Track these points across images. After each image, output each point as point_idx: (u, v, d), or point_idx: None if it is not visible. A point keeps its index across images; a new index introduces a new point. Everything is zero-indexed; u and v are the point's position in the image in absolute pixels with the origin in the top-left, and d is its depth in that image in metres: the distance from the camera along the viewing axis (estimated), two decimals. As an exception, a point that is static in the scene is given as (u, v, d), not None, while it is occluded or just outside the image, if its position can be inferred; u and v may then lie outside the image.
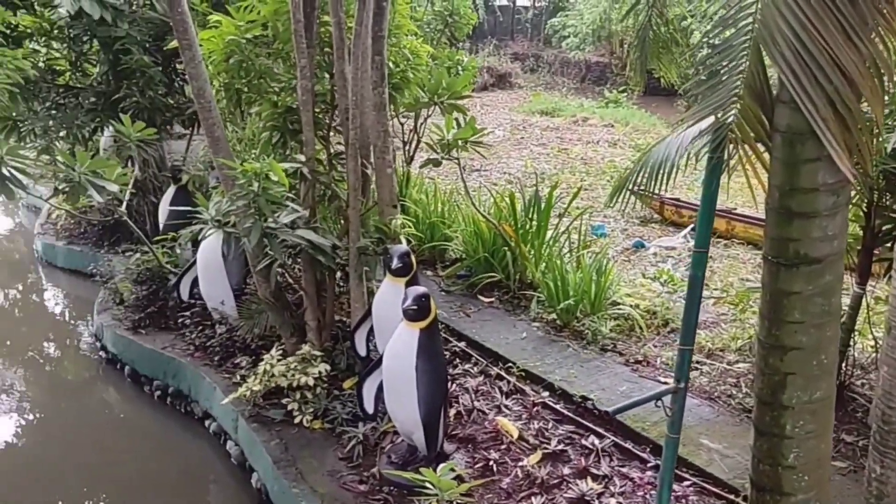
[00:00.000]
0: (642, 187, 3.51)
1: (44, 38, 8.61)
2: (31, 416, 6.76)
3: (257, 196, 4.94)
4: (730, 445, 4.57)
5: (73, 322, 8.73)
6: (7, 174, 5.72)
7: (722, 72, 2.84)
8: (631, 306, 6.14)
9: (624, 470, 4.51)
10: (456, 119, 6.32)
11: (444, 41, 8.43)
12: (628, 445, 4.69)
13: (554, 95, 19.51)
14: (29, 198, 10.63)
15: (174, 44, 5.99)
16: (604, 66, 22.37)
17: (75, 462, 6.01)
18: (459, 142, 6.15)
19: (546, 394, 5.26)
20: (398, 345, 4.47)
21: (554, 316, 6.18)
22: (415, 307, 4.36)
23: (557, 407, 5.13)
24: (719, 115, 2.81)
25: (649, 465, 4.50)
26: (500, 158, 12.51)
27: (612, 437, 4.76)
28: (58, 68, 8.89)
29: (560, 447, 4.72)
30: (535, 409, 5.11)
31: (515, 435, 4.85)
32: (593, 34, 20.68)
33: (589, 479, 4.43)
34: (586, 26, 20.61)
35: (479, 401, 5.26)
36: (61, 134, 8.02)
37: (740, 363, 5.51)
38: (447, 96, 6.60)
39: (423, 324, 4.42)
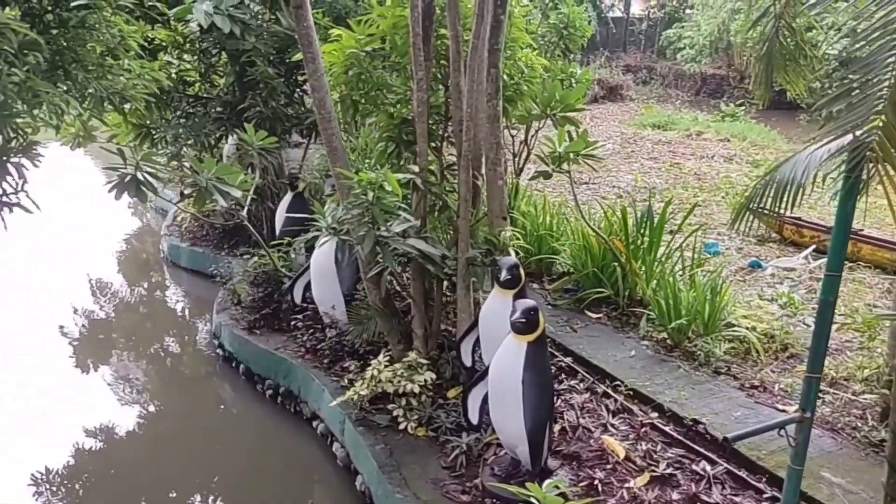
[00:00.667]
0: (765, 207, 3.37)
1: (177, 51, 9.15)
2: (151, 407, 7.14)
3: (371, 205, 5.06)
4: (854, 481, 4.31)
5: (192, 320, 9.18)
6: (141, 178, 6.08)
7: (861, 88, 2.69)
8: (747, 328, 5.90)
9: (737, 500, 4.33)
10: (568, 132, 6.29)
11: (557, 53, 8.39)
12: (742, 474, 4.50)
13: (667, 108, 19.07)
14: (158, 200, 11.32)
15: (297, 56, 6.23)
16: (720, 78, 21.70)
17: (190, 451, 6.32)
18: (571, 155, 6.10)
19: (655, 415, 5.13)
20: (505, 357, 4.46)
21: (665, 335, 6.01)
22: (523, 320, 4.34)
23: (667, 429, 4.99)
24: (858, 133, 2.67)
25: (765, 496, 4.30)
26: (610, 172, 12.33)
27: (725, 465, 4.58)
28: (188, 79, 9.43)
29: (669, 471, 4.59)
30: (643, 429, 4.99)
31: (622, 455, 4.74)
32: (710, 45, 20.11)
33: (699, 505, 4.29)
34: (703, 37, 20.07)
35: (584, 418, 5.18)
36: (189, 141, 8.47)
37: (867, 394, 5.19)
38: (560, 109, 6.57)
39: (531, 337, 4.39)
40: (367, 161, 7.69)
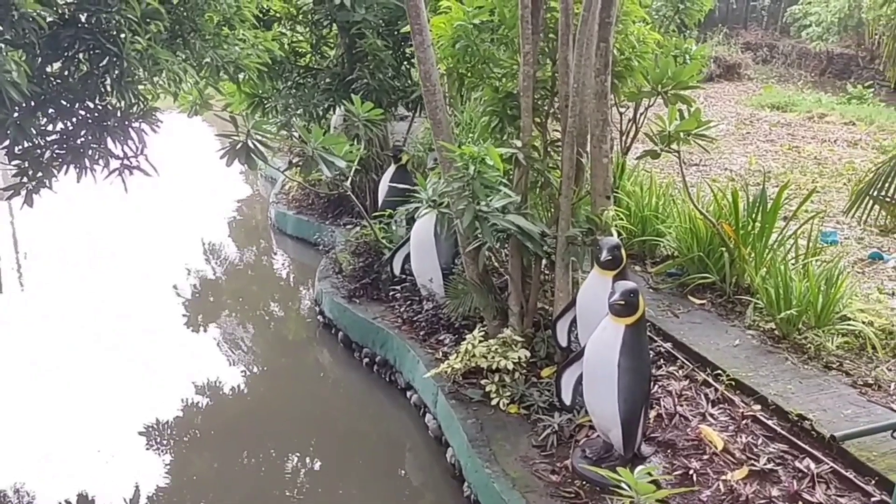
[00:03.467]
0: (889, 195, 3.13)
1: (290, 22, 9.35)
2: (255, 368, 7.43)
3: (472, 179, 5.04)
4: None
5: (296, 286, 9.47)
6: (252, 146, 6.28)
7: None
8: (864, 323, 5.56)
9: (842, 501, 4.11)
10: (680, 110, 6.05)
11: (672, 28, 8.07)
12: (849, 475, 4.26)
13: (788, 89, 18.09)
14: (267, 169, 11.68)
15: (406, 28, 6.25)
16: (848, 58, 20.37)
17: (290, 412, 6.55)
18: (682, 134, 5.87)
19: (758, 407, 4.92)
20: (602, 339, 4.37)
21: (772, 325, 5.74)
22: (622, 302, 4.23)
23: (769, 423, 4.77)
24: None
25: (873, 499, 4.07)
26: (722, 153, 11.83)
27: (831, 464, 4.35)
28: (300, 50, 9.63)
29: (770, 466, 4.39)
30: (743, 421, 4.80)
31: (720, 446, 4.58)
32: (839, 23, 18.88)
33: (801, 504, 4.10)
34: (832, 14, 18.87)
35: (682, 406, 5.03)
36: (299, 111, 8.67)
37: None
38: (672, 86, 6.32)
39: (630, 320, 4.28)
40: (470, 135, 7.66)
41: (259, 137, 6.36)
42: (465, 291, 6.14)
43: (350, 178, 7.33)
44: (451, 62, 6.14)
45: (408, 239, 7.00)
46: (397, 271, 7.23)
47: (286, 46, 9.09)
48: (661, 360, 5.59)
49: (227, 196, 13.16)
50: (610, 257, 4.80)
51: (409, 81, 8.91)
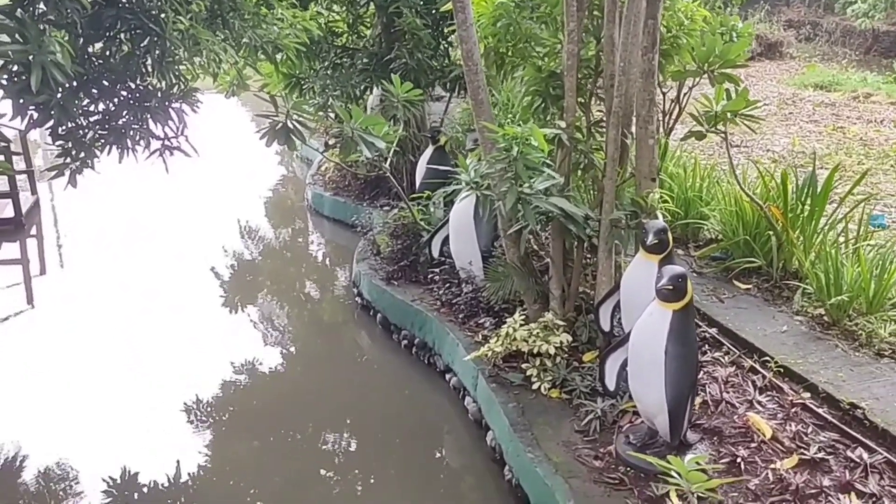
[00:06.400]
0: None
1: (326, 2, 9.29)
2: (292, 348, 7.45)
3: (515, 160, 4.95)
4: None
5: (333, 267, 9.48)
6: (291, 126, 6.25)
7: None
8: (918, 310, 5.40)
9: (897, 492, 4.00)
10: (727, 90, 5.88)
11: (718, 5, 7.85)
12: (905, 466, 4.15)
13: (832, 68, 17.63)
14: (304, 150, 11.69)
15: (446, 7, 6.15)
16: (895, 36, 19.79)
17: (327, 393, 6.56)
18: (728, 114, 5.72)
19: (807, 395, 4.80)
20: (648, 324, 4.28)
21: (822, 311, 5.60)
22: (670, 287, 4.14)
23: (820, 411, 4.66)
24: None
25: (930, 492, 3.95)
26: (764, 135, 11.57)
27: (885, 454, 4.23)
28: (336, 30, 9.57)
29: (820, 455, 4.29)
30: (793, 409, 4.69)
31: (768, 434, 4.48)
32: (886, 0, 18.33)
33: (853, 495, 3.99)
34: (879, -10, 18.32)
35: (728, 392, 4.93)
36: (336, 92, 8.62)
37: None
38: (719, 65, 6.15)
39: (678, 305, 4.19)
40: (508, 116, 7.55)
41: (298, 118, 6.33)
42: (506, 275, 6.07)
43: (389, 160, 7.27)
44: (491, 41, 6.04)
45: (446, 221, 6.94)
46: (436, 254, 7.17)
47: (323, 26, 9.03)
48: (707, 346, 5.49)
49: (263, 177, 13.21)
50: (656, 241, 4.70)
51: (448, 61, 8.81)
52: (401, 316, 7.01)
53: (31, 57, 4.37)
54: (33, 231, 10.10)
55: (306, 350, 7.48)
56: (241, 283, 8.90)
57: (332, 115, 8.90)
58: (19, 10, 4.57)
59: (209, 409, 6.22)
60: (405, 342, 6.93)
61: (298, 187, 12.39)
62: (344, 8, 9.40)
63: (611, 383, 4.73)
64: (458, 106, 10.26)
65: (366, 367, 7.26)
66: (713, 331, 5.63)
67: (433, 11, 8.36)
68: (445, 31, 8.64)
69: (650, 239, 4.70)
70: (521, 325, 5.51)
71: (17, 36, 4.47)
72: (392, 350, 7.06)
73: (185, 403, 6.22)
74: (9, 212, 9.67)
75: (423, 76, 8.43)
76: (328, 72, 8.78)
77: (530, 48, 5.91)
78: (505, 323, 5.66)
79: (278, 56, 7.35)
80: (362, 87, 8.90)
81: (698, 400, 4.82)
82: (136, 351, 7.03)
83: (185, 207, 11.24)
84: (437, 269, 7.14)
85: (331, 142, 10.28)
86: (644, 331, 4.29)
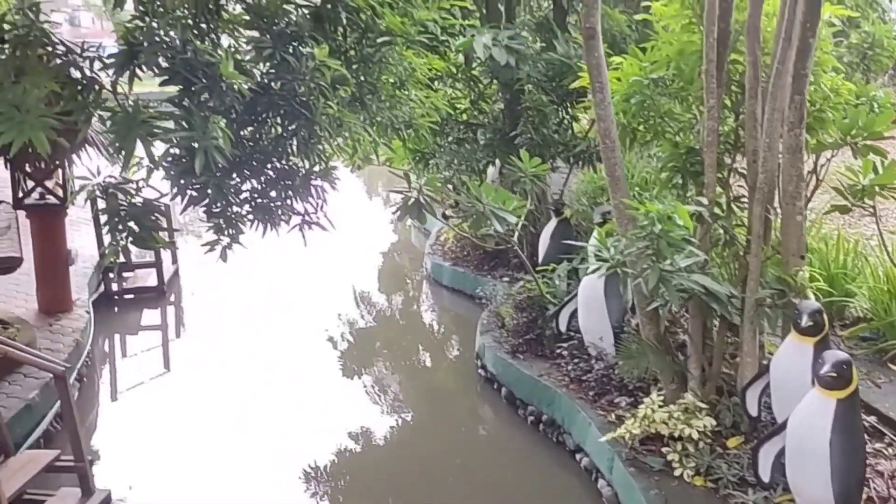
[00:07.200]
0: None
1: (450, 80, 9.57)
2: (415, 420, 7.45)
3: (658, 238, 4.86)
4: None
5: (453, 338, 9.50)
6: (423, 202, 6.41)
7: None
8: None
9: None
10: (874, 162, 5.64)
11: (859, 75, 7.61)
12: None
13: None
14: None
15: (576, 84, 6.22)
16: None
17: (452, 467, 6.50)
18: (876, 188, 5.48)
19: None
20: (809, 414, 4.05)
21: None
22: (834, 374, 3.92)
23: None
24: None
25: None
26: (901, 204, 10.96)
27: None
28: (458, 106, 9.82)
29: None
30: (971, 511, 4.30)
31: (946, 538, 4.11)
32: None
33: None
34: None
35: (895, 489, 4.56)
36: (462, 167, 8.79)
37: None
38: (863, 137, 5.92)
39: (842, 394, 3.95)
40: (643, 192, 7.47)
41: (429, 193, 6.50)
42: (640, 352, 5.90)
43: (517, 233, 7.31)
44: (622, 117, 6.04)
45: (574, 295, 6.86)
46: (563, 328, 7.08)
47: (447, 103, 9.29)
48: (867, 436, 5.12)
49: (380, 246, 13.51)
50: (811, 322, 4.49)
51: (571, 134, 8.86)
52: (527, 391, 6.90)
53: (195, 143, 4.68)
54: (172, 298, 10.63)
55: (429, 421, 7.47)
56: (363, 351, 9.04)
57: (450, 187, 9.08)
58: (186, 99, 4.93)
59: (326, 475, 6.28)
60: (532, 418, 6.80)
61: (412, 255, 12.60)
62: (464, 85, 9.65)
63: (765, 475, 4.48)
64: (575, 177, 10.27)
65: (489, 441, 7.15)
66: (872, 419, 5.27)
67: (557, 87, 8.46)
68: (569, 107, 8.70)
69: (805, 321, 4.49)
70: (660, 407, 5.32)
71: (182, 123, 4.82)
72: (517, 426, 6.94)
73: (304, 470, 6.28)
74: (153, 280, 10.25)
75: (547, 150, 8.50)
76: (453, 147, 8.98)
77: (665, 124, 5.87)
78: (641, 403, 5.48)
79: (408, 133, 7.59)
80: (485, 162, 9.05)
81: (864, 496, 4.47)
82: (256, 418, 7.16)
83: (310, 276, 11.57)
84: (564, 344, 7.03)
85: (448, 212, 10.47)
86: (805, 421, 4.06)
